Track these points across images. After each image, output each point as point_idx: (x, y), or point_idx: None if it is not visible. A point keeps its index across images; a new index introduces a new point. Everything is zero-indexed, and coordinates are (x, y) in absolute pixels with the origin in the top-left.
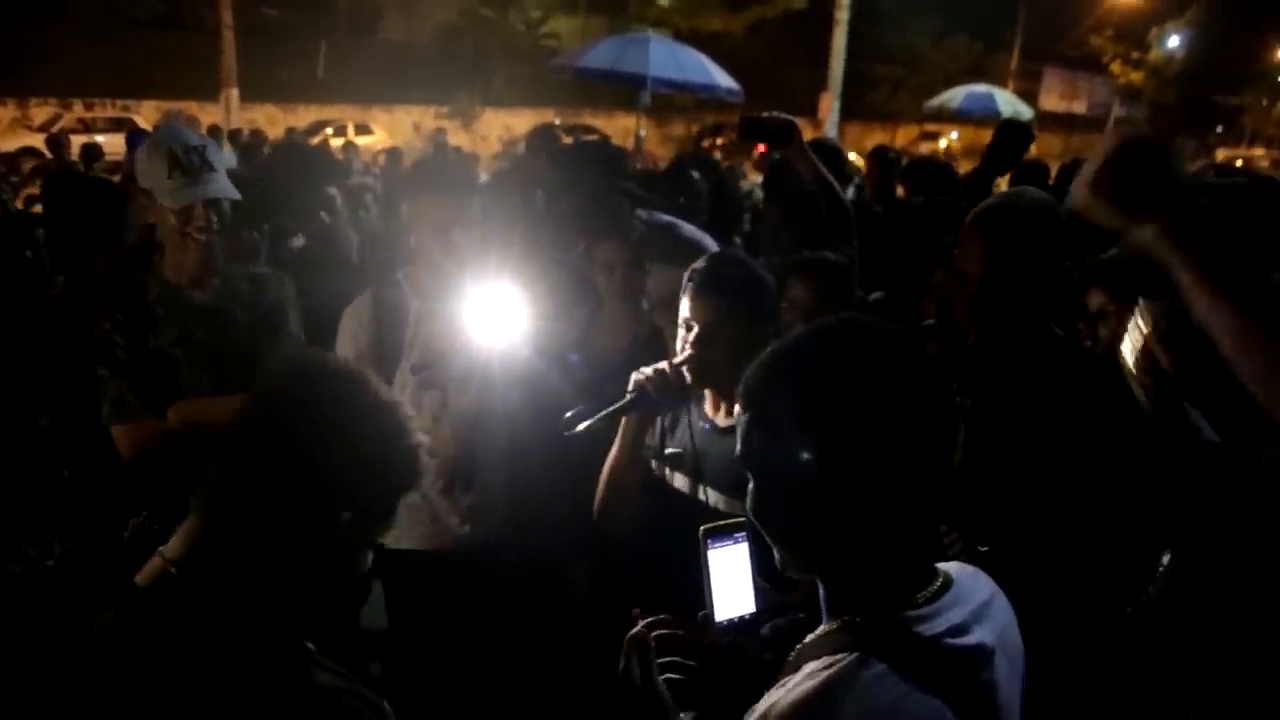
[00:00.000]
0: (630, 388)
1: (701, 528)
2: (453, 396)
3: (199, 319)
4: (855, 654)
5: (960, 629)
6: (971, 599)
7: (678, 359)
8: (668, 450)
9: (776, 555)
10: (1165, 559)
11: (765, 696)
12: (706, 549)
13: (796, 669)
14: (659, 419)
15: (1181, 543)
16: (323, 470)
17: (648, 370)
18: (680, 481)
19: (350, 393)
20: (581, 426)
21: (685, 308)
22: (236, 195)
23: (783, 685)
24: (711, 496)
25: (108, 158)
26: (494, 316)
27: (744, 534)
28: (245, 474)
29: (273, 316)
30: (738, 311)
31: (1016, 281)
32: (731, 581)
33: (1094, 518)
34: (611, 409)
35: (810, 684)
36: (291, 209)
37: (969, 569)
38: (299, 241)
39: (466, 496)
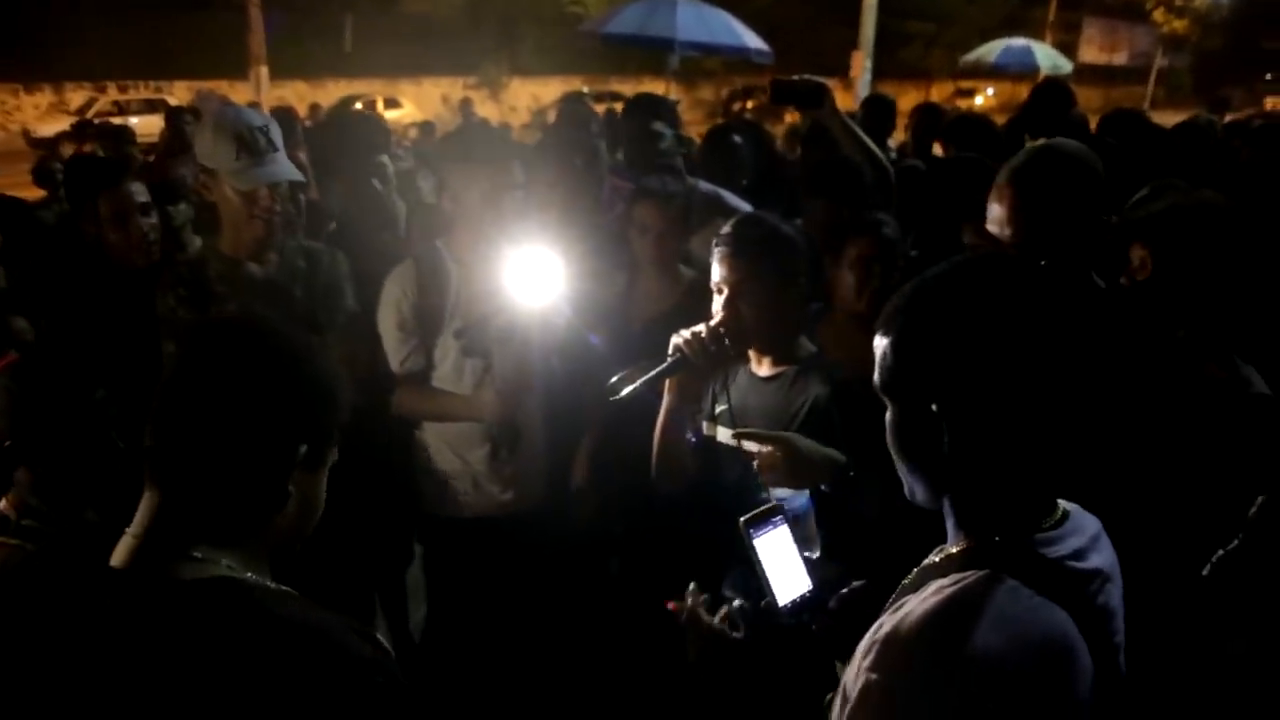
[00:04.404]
0: (670, 351)
1: (740, 520)
2: (495, 361)
3: (259, 294)
4: (986, 571)
5: (1081, 554)
6: (1087, 529)
7: (712, 322)
8: (718, 409)
9: (905, 485)
10: (1259, 500)
11: (887, 614)
12: (751, 539)
13: (918, 588)
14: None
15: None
16: (278, 407)
17: (686, 333)
18: (724, 435)
19: (274, 333)
20: (625, 392)
21: (715, 272)
22: (300, 177)
23: (901, 605)
24: (754, 446)
25: (143, 139)
26: (533, 280)
27: (780, 517)
28: (200, 430)
29: (330, 291)
30: (766, 271)
31: (1052, 240)
32: (783, 564)
33: (1141, 465)
34: (653, 374)
35: (942, 596)
36: (343, 176)
37: (1074, 504)
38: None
39: (510, 463)
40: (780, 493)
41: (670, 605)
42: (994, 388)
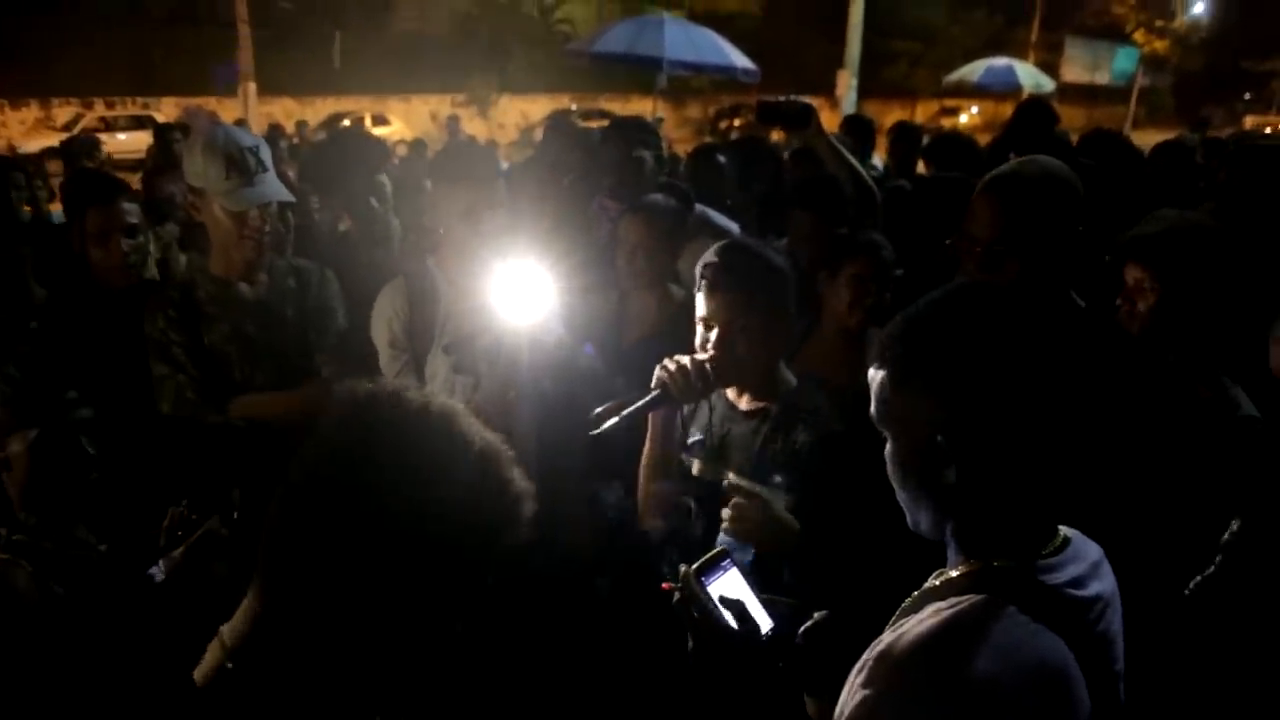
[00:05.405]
0: (653, 384)
1: (686, 570)
2: (484, 379)
3: (250, 314)
4: (984, 595)
5: (1080, 581)
6: (1088, 556)
7: (700, 356)
8: (690, 439)
9: (909, 515)
10: (1233, 525)
11: (887, 633)
12: (704, 586)
13: (917, 610)
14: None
15: (1253, 509)
16: (410, 527)
17: (670, 365)
18: (699, 468)
19: (435, 432)
20: (606, 426)
21: (701, 305)
22: (290, 197)
23: (900, 625)
24: (734, 480)
25: (132, 155)
26: (521, 297)
27: (729, 560)
28: (312, 536)
29: (321, 310)
30: (755, 305)
31: (1026, 245)
32: (739, 607)
33: (1131, 487)
34: (634, 408)
35: (939, 618)
36: (342, 194)
37: (1075, 531)
38: (344, 225)
39: None
40: (727, 541)
41: (665, 586)
42: (1002, 416)
